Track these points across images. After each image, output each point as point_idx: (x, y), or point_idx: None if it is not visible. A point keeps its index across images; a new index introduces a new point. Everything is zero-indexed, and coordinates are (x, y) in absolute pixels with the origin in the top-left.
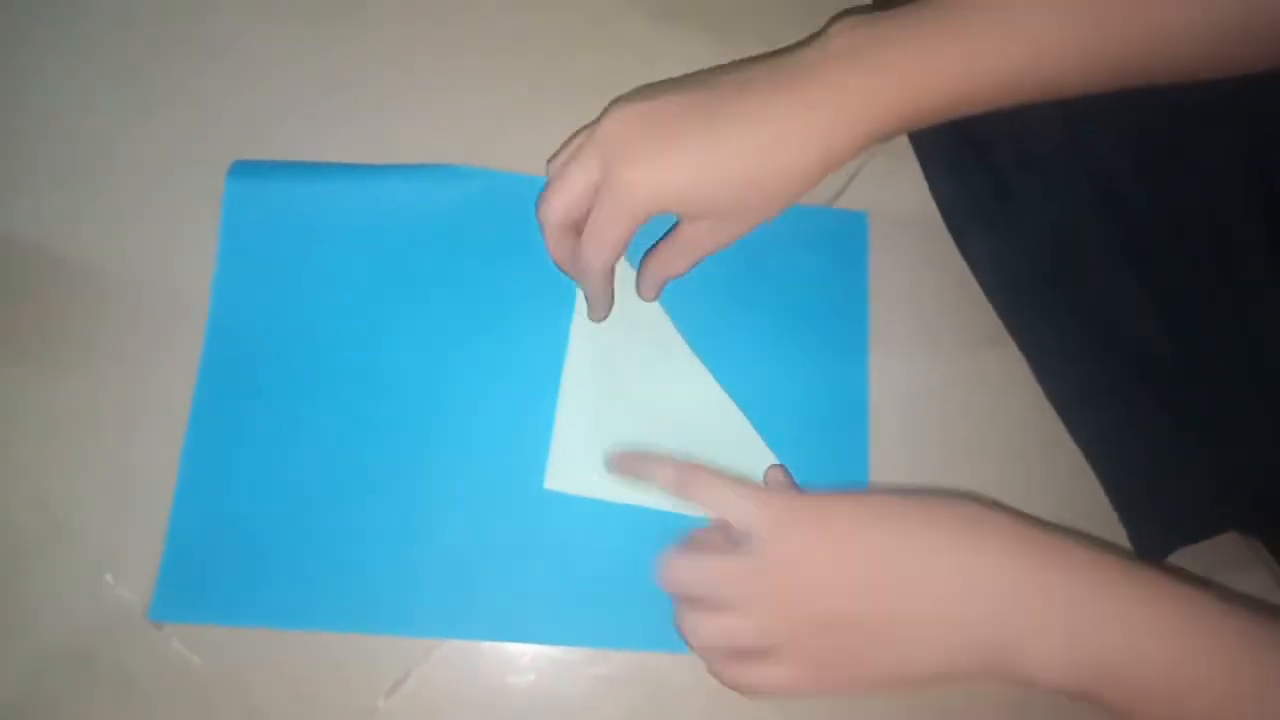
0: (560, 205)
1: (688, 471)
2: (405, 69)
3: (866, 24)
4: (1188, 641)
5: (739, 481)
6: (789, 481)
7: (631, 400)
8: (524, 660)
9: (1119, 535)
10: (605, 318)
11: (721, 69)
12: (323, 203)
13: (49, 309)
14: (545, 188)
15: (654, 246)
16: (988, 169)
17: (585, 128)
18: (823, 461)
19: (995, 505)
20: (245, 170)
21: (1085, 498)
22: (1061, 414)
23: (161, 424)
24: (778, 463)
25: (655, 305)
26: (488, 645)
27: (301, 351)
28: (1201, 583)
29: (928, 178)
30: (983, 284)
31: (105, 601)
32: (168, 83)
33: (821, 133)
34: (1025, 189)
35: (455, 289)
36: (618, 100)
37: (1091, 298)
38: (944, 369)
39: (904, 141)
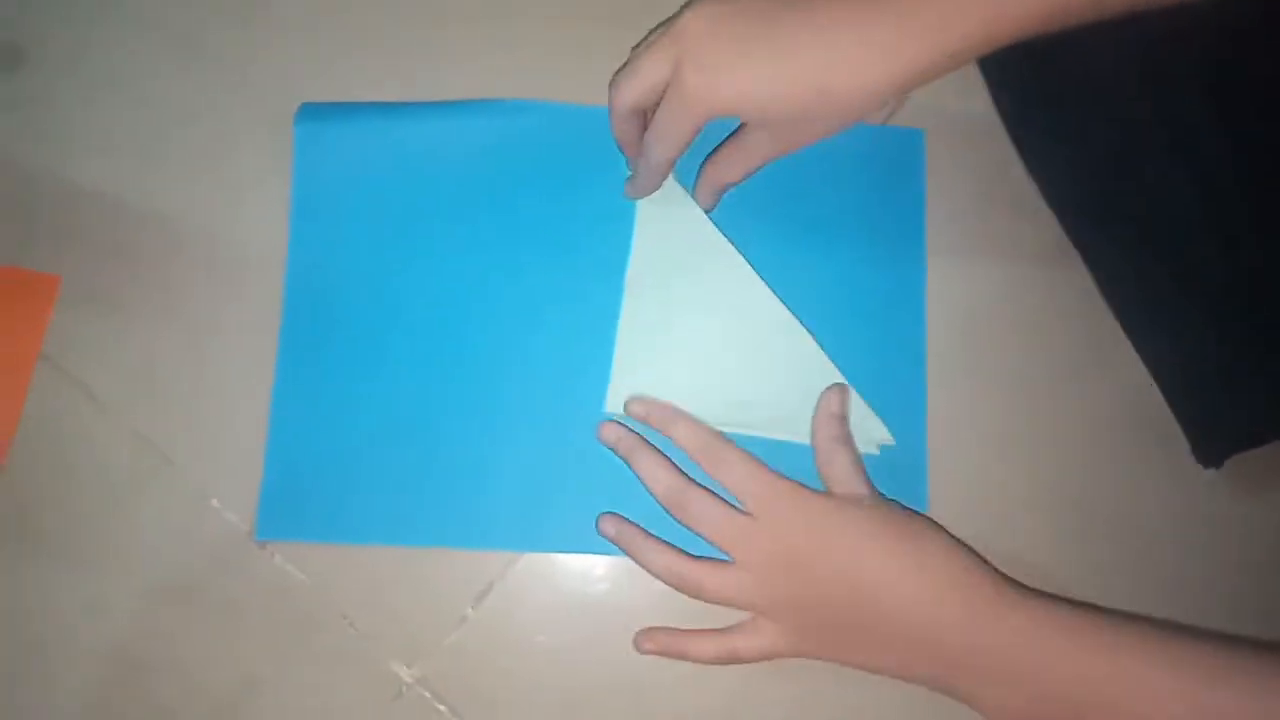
0: (630, 94)
1: (679, 492)
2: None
3: None
4: (1143, 683)
5: (728, 514)
6: (842, 412)
7: (691, 323)
8: (598, 571)
9: (1179, 441)
10: (645, 196)
11: None
12: (389, 140)
13: (135, 259)
14: (620, 71)
15: (713, 152)
16: (1050, 81)
17: (666, 21)
18: (881, 379)
19: (945, 536)
20: (312, 113)
21: (1146, 406)
22: (1124, 324)
23: (250, 358)
24: (841, 380)
25: (713, 228)
26: (562, 558)
27: (377, 282)
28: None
29: (988, 84)
30: (1045, 195)
31: (212, 526)
32: (226, 33)
33: (892, 51)
34: (1087, 103)
35: (520, 219)
36: None
37: (1151, 214)
38: (1002, 282)
39: None
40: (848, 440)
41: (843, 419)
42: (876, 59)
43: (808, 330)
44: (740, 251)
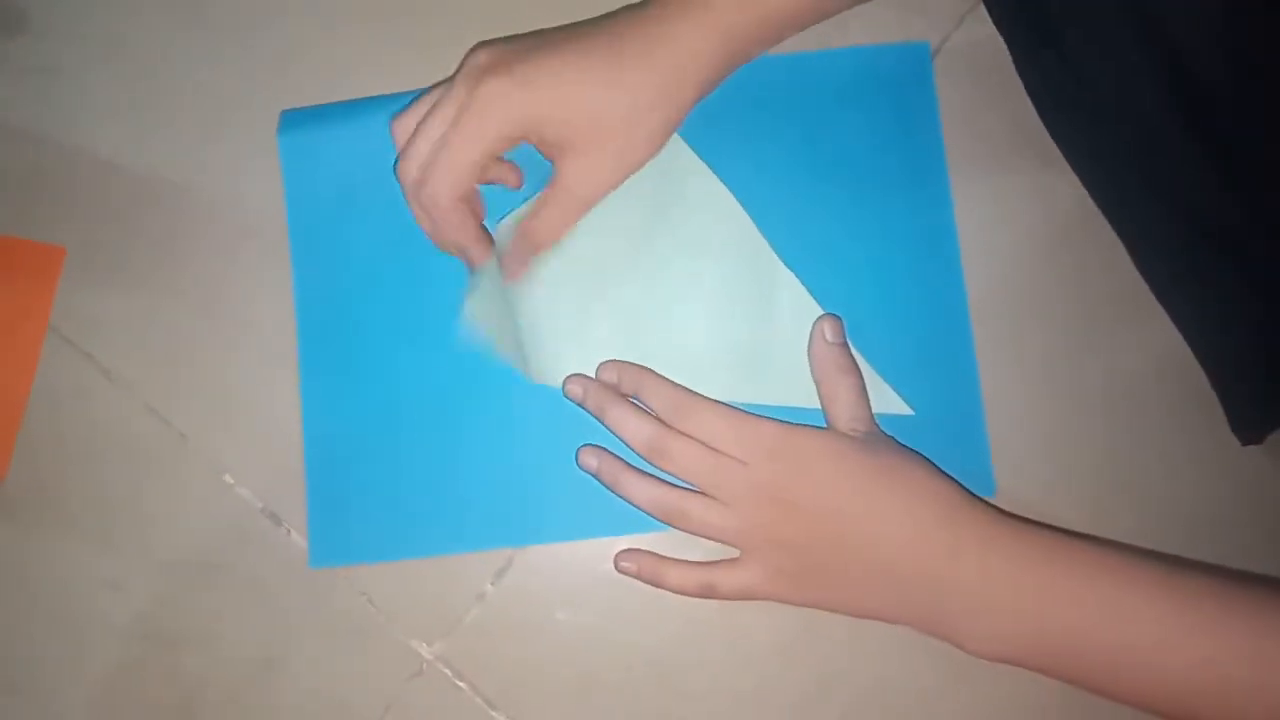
0: (423, 144)
1: (659, 439)
2: None
3: None
4: (1113, 610)
5: (709, 454)
6: (839, 339)
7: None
8: (618, 548)
9: (1218, 416)
10: (494, 269)
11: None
12: (377, 138)
13: (142, 229)
14: (405, 144)
15: (513, 216)
16: (1059, 53)
17: (438, 84)
18: (924, 336)
19: (925, 464)
20: (294, 120)
21: (1184, 381)
22: (1159, 297)
23: (260, 330)
24: (825, 313)
25: (695, 161)
26: None
27: (384, 288)
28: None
29: (1015, 63)
30: (1073, 167)
31: (227, 502)
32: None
33: (685, 40)
34: (1093, 65)
35: (512, 202)
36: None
37: (1172, 178)
38: (1029, 256)
39: None
40: (852, 369)
41: (842, 346)
42: (678, 48)
43: (832, 276)
44: (747, 196)
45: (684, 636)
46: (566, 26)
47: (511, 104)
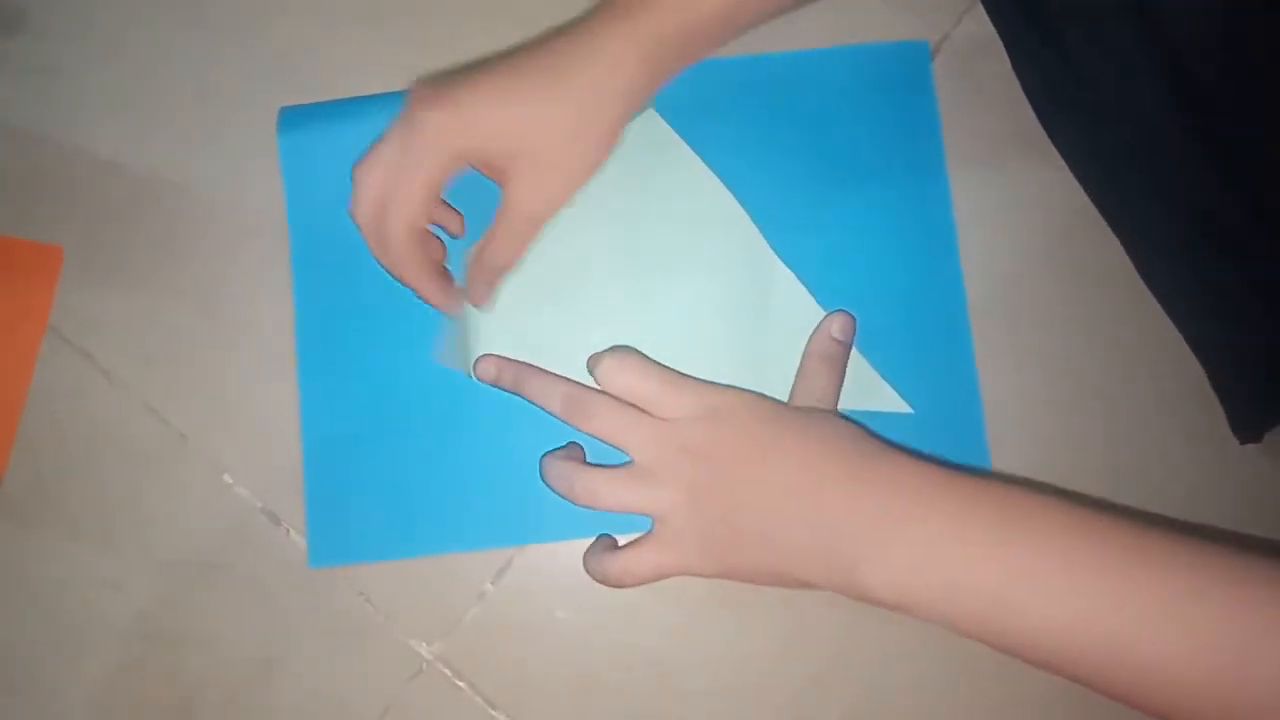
0: (374, 183)
1: (578, 397)
2: None
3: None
4: (1015, 550)
5: (629, 410)
6: (844, 338)
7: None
8: None
9: (1217, 415)
10: (462, 305)
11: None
12: (376, 135)
13: (141, 228)
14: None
15: (475, 246)
16: (1058, 53)
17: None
18: (922, 331)
19: (843, 419)
20: (294, 119)
21: (1183, 379)
22: (1158, 296)
23: (259, 329)
24: (840, 310)
25: (692, 159)
26: None
27: (384, 286)
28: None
29: (1013, 63)
30: (1071, 167)
31: (226, 502)
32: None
33: (609, 53)
34: (1093, 65)
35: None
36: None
37: (1172, 179)
38: (1026, 256)
39: None
40: (838, 369)
41: (844, 346)
42: (611, 60)
43: (834, 276)
44: (746, 194)
45: (684, 636)
46: (508, 51)
47: (450, 132)
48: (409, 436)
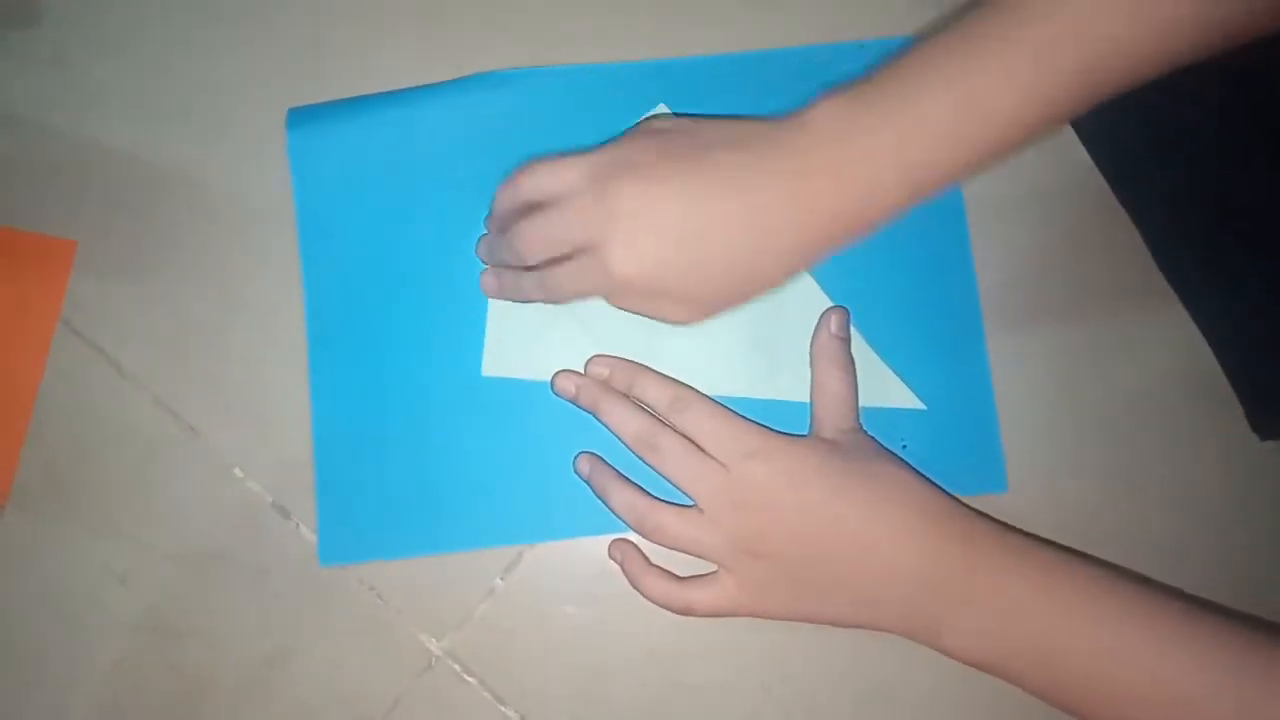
0: (540, 247)
1: (651, 437)
2: None
3: (846, 100)
4: (1088, 617)
5: (696, 456)
6: (842, 333)
7: None
8: None
9: (1235, 412)
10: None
11: (721, 132)
12: (385, 133)
13: (153, 222)
14: (529, 221)
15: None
16: None
17: (583, 155)
18: (935, 332)
19: (903, 466)
20: (302, 117)
21: (1201, 374)
22: (1177, 290)
23: (270, 323)
24: (833, 305)
25: None
26: None
27: (394, 283)
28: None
29: None
30: (1091, 155)
31: (236, 496)
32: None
33: (815, 233)
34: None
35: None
36: (624, 164)
37: (1207, 175)
38: (1045, 244)
39: None
40: (847, 365)
41: (844, 340)
42: (805, 241)
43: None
44: None
45: (693, 631)
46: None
47: (625, 284)
48: (419, 434)
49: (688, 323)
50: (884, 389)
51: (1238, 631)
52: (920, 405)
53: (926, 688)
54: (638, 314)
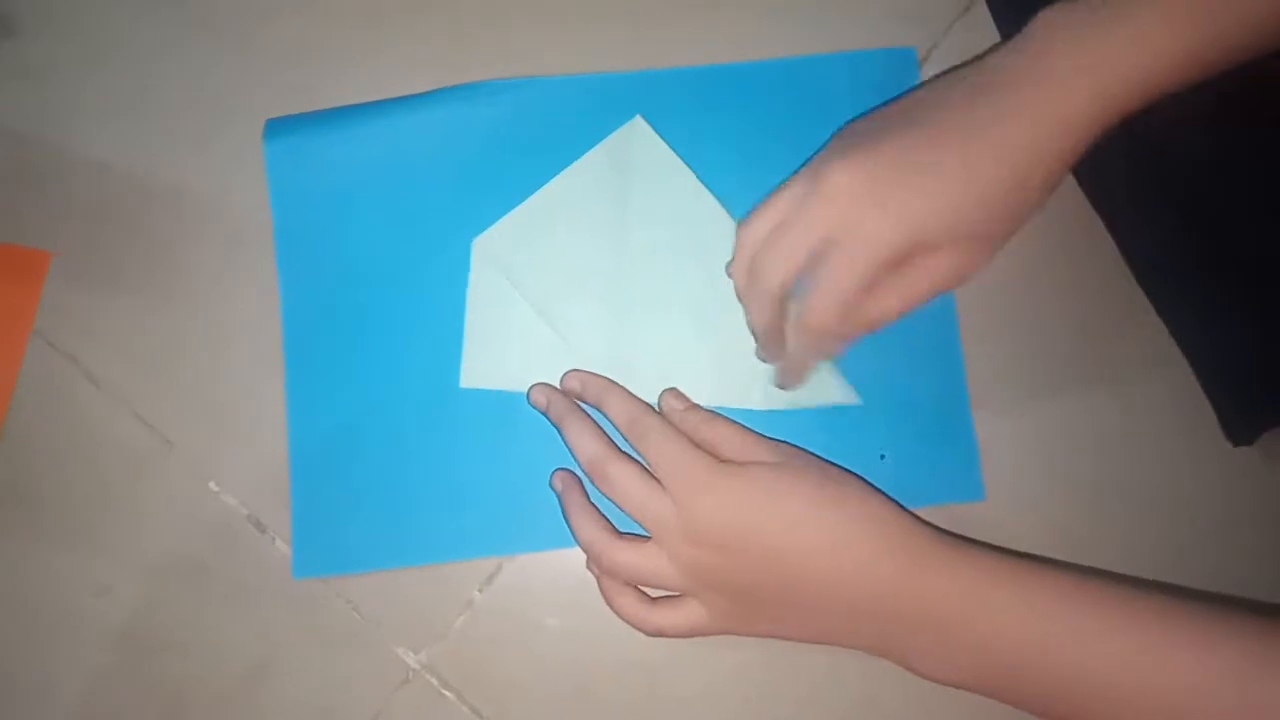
0: (785, 270)
1: (601, 465)
2: None
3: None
4: (1062, 631)
5: (648, 486)
6: (685, 405)
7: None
8: None
9: (1209, 418)
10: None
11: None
12: (363, 146)
13: (130, 234)
14: (761, 250)
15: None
16: None
17: (785, 186)
18: (912, 336)
19: (880, 496)
20: (280, 128)
21: (1176, 381)
22: (1151, 299)
23: (247, 336)
24: (666, 389)
25: (678, 165)
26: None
27: (372, 295)
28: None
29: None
30: (1072, 172)
31: (211, 509)
32: (226, 2)
33: (1046, 134)
34: None
35: (511, 202)
36: (832, 153)
37: (1182, 189)
38: (1025, 254)
39: None
40: (711, 418)
41: (694, 408)
42: (1039, 144)
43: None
44: (745, 212)
45: (674, 643)
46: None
47: (887, 242)
48: (396, 446)
49: (983, 267)
50: (821, 386)
51: (1215, 622)
52: (856, 400)
53: (911, 698)
54: (941, 282)
